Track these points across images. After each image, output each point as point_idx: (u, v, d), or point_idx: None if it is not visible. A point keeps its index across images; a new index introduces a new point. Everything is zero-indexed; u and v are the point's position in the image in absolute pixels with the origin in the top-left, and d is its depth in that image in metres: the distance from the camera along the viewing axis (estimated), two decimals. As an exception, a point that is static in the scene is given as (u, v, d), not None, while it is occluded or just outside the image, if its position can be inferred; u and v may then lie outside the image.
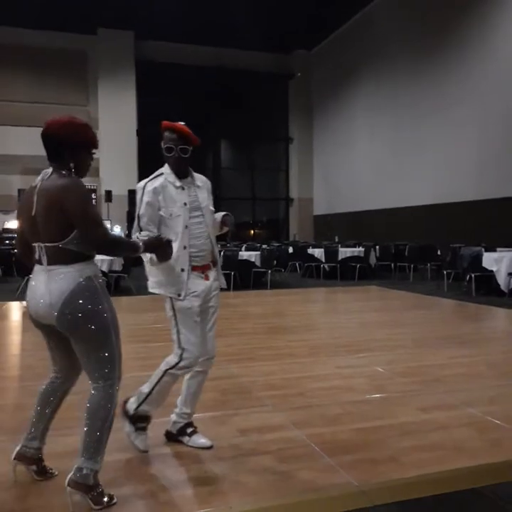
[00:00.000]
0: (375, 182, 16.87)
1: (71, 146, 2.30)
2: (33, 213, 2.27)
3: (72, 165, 2.30)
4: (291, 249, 14.94)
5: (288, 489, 2.47)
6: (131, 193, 17.80)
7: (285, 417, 3.37)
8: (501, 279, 9.04)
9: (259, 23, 16.61)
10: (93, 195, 17.83)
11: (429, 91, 14.38)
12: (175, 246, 2.66)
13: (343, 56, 18.62)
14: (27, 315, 2.47)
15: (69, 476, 2.27)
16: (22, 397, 3.89)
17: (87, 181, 20.10)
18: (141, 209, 2.74)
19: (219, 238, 3.01)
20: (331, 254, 12.70)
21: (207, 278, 2.83)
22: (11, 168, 18.05)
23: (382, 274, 13.25)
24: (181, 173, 2.81)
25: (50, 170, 2.32)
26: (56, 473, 2.61)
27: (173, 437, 2.97)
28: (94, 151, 2.43)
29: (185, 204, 2.75)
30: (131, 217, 16.17)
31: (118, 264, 9.94)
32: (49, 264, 2.26)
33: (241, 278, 10.78)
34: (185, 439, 2.93)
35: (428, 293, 9.86)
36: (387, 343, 5.67)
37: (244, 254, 11.15)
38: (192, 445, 2.89)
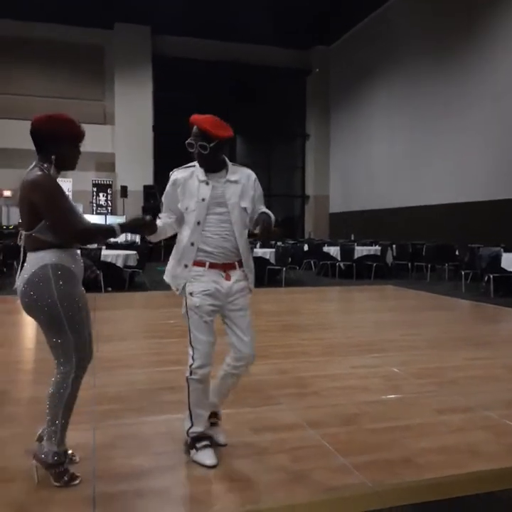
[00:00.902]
0: (393, 180, 16.74)
1: (51, 139, 2.42)
2: (18, 204, 2.46)
3: (53, 157, 2.42)
4: (306, 247, 14.87)
5: (301, 489, 2.45)
6: (147, 189, 17.89)
7: (299, 416, 3.35)
8: (520, 280, 8.92)
9: (277, 18, 16.53)
10: (109, 190, 17.96)
11: (449, 90, 14.21)
12: (184, 240, 2.69)
13: (361, 53, 18.47)
14: None
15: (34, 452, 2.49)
16: (36, 390, 3.91)
17: (103, 176, 20.25)
18: (163, 196, 2.81)
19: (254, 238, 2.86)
20: (346, 252, 12.62)
21: (228, 278, 2.71)
22: (28, 163, 18.14)
23: (399, 273, 13.14)
24: (209, 167, 2.72)
25: (34, 163, 2.45)
26: (77, 459, 2.63)
27: None
28: (77, 143, 2.51)
29: (203, 199, 2.66)
30: (146, 213, 16.15)
31: (133, 259, 9.99)
32: (27, 250, 2.43)
33: (255, 275, 10.74)
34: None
35: (445, 293, 9.75)
36: (403, 343, 5.62)
37: (258, 251, 11.13)
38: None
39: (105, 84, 18.94)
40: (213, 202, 2.67)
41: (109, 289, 9.86)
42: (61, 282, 2.37)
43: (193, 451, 2.72)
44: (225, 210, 2.68)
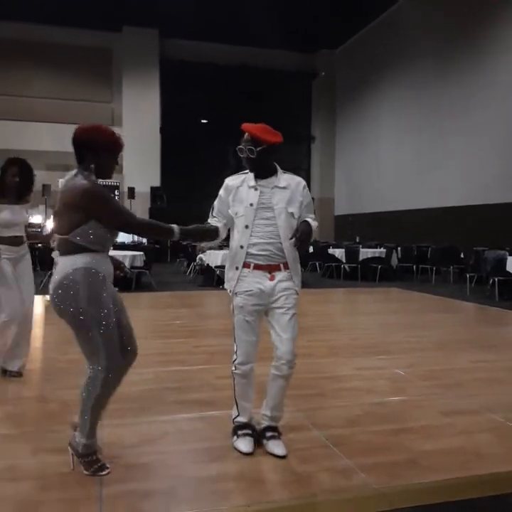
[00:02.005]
0: (398, 183, 16.72)
1: (92, 149, 2.53)
2: (56, 209, 2.57)
3: (92, 166, 2.53)
4: (311, 249, 14.86)
5: (306, 490, 2.47)
6: (154, 190, 17.96)
7: (305, 417, 3.37)
8: (525, 284, 8.90)
9: (284, 21, 16.54)
10: (116, 192, 18.01)
11: (455, 93, 14.19)
12: (234, 244, 2.85)
13: (367, 56, 18.48)
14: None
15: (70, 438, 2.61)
16: (45, 390, 3.95)
17: (112, 178, 20.36)
18: (216, 201, 2.95)
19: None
20: (351, 254, 12.63)
21: (272, 278, 2.81)
22: (36, 164, 18.15)
23: (404, 275, 13.13)
24: (259, 173, 2.85)
25: (75, 171, 2.55)
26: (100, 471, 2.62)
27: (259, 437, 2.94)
28: (116, 154, 2.62)
29: (251, 204, 2.80)
30: (153, 214, 16.26)
31: (140, 260, 10.05)
32: (60, 254, 2.53)
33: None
34: (264, 442, 2.89)
35: (450, 296, 9.74)
36: (408, 345, 5.62)
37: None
38: (267, 450, 2.85)
39: (113, 86, 19.02)
40: (261, 207, 2.80)
41: (116, 289, 9.90)
42: (91, 285, 2.47)
43: (234, 438, 2.90)
44: (272, 214, 2.80)
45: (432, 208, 14.90)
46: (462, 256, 12.12)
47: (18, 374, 4.17)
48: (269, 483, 2.53)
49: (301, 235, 2.72)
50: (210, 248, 11.62)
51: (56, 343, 5.55)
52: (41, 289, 9.54)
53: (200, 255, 11.81)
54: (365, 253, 12.71)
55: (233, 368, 2.86)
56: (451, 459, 2.80)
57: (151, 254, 10.77)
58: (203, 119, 20.39)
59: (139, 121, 18.44)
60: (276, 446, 2.84)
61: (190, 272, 13.20)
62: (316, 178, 21.69)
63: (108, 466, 2.59)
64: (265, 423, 2.94)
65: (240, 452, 2.81)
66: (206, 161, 19.83)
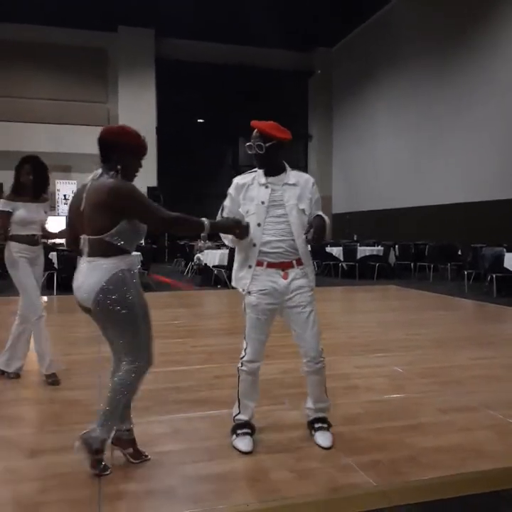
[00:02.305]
0: (396, 181, 16.73)
1: (118, 150, 2.56)
2: (81, 208, 2.53)
3: (118, 167, 2.55)
4: (309, 247, 14.83)
5: (306, 488, 2.47)
6: (151, 190, 17.94)
7: (303, 416, 3.36)
8: (523, 280, 8.91)
9: (280, 20, 16.53)
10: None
11: (451, 91, 14.21)
12: (244, 242, 2.82)
13: (364, 54, 18.48)
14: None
15: (83, 432, 2.53)
16: (46, 391, 3.94)
17: (107, 178, 20.33)
18: (226, 200, 2.94)
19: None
20: (349, 252, 12.64)
21: (285, 276, 2.82)
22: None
23: (402, 273, 13.14)
24: (269, 170, 2.86)
25: (100, 171, 2.58)
26: (150, 457, 2.72)
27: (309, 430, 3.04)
28: (141, 156, 2.68)
29: (262, 202, 2.80)
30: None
31: (137, 260, 10.04)
32: (90, 255, 2.52)
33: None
34: (312, 433, 2.98)
35: (448, 293, 9.75)
36: (406, 343, 5.63)
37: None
38: (315, 441, 2.93)
39: (109, 86, 18.99)
40: (272, 204, 2.81)
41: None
42: (134, 286, 2.54)
43: (233, 437, 2.90)
44: (283, 212, 2.81)
45: (430, 205, 14.92)
46: (460, 253, 12.14)
47: (16, 375, 4.17)
48: (269, 482, 2.52)
49: (316, 229, 2.73)
50: (209, 247, 11.64)
51: (54, 344, 5.54)
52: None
53: (198, 255, 11.81)
54: (363, 251, 12.73)
55: (240, 365, 2.88)
56: (450, 456, 2.80)
57: (148, 255, 10.77)
58: (200, 119, 20.37)
59: (135, 121, 18.10)
60: (320, 437, 2.92)
61: (188, 271, 13.19)
62: (313, 176, 21.24)
63: (109, 466, 2.59)
64: (312, 416, 3.01)
65: (239, 451, 2.82)
66: (203, 161, 19.82)
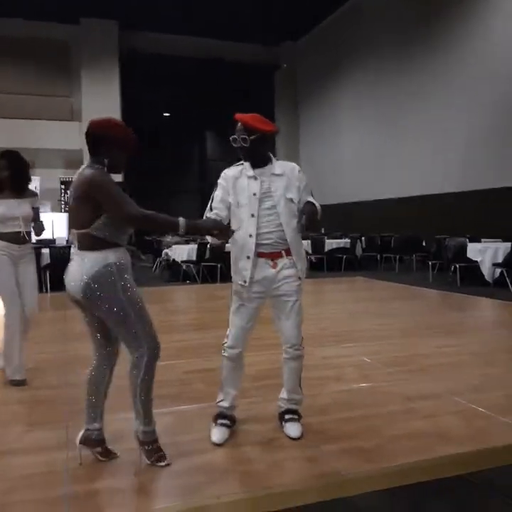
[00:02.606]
0: (361, 174, 16.91)
1: (107, 143, 2.55)
2: (70, 204, 2.58)
3: (106, 161, 2.55)
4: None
5: (275, 479, 2.48)
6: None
7: (273, 407, 3.37)
8: (485, 270, 9.13)
9: (245, 13, 16.50)
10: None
11: (414, 82, 14.41)
12: (239, 234, 2.84)
13: (329, 47, 18.58)
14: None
15: (136, 438, 2.61)
16: (13, 391, 3.85)
17: (71, 174, 19.75)
18: (216, 190, 2.94)
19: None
20: (317, 245, 12.74)
21: (274, 266, 2.86)
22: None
23: (368, 265, 13.32)
24: (255, 162, 2.87)
25: (85, 164, 2.57)
26: (118, 454, 2.70)
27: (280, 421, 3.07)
28: (129, 150, 2.64)
29: (254, 194, 2.83)
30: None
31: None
32: (79, 248, 2.53)
33: (228, 269, 10.76)
34: (282, 424, 3.01)
35: (413, 284, 9.93)
36: (374, 333, 5.71)
37: (228, 246, 11.12)
38: (285, 432, 2.96)
39: (72, 80, 18.58)
40: (263, 196, 2.84)
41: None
42: (124, 278, 2.53)
43: (212, 424, 2.96)
44: (272, 203, 2.84)
45: (394, 198, 15.14)
46: (424, 244, 12.38)
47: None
48: (239, 474, 2.53)
49: (308, 215, 2.76)
50: (177, 242, 11.56)
51: (46, 343, 5.43)
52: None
53: (166, 250, 11.72)
54: (331, 244, 12.85)
55: (222, 351, 2.95)
56: (418, 442, 2.86)
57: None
58: (166, 113, 20.16)
59: (99, 115, 17.24)
60: (290, 428, 2.95)
61: (156, 267, 13.08)
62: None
63: (167, 456, 2.62)
64: (283, 407, 3.05)
65: (212, 441, 2.84)
66: (171, 156, 19.62)
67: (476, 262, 9.24)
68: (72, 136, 17.48)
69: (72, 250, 2.60)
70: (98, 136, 2.55)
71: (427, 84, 13.93)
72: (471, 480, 2.50)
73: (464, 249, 9.49)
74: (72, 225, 2.57)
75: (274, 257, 2.86)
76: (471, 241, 9.77)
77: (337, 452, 2.74)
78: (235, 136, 2.85)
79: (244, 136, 2.81)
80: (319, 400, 3.53)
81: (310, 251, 12.75)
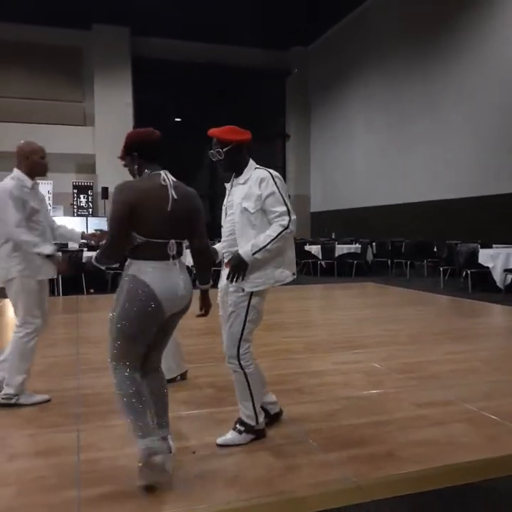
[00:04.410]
0: (372, 179, 16.88)
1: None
2: (168, 209, 2.45)
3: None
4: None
5: (286, 485, 2.48)
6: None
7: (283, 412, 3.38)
8: (497, 276, 9.06)
9: (256, 19, 16.56)
10: (90, 192, 17.83)
11: (425, 87, 14.37)
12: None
13: (340, 52, 18.59)
14: (151, 312, 2.44)
15: (171, 444, 2.59)
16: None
17: (83, 178, 19.93)
18: None
19: None
20: (327, 250, 12.72)
21: (228, 276, 2.88)
22: (7, 165, 17.85)
23: (379, 270, 13.28)
24: (236, 173, 2.93)
25: (167, 173, 2.56)
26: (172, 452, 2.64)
27: None
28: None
29: (223, 205, 2.95)
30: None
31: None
32: (175, 258, 2.51)
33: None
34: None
35: (424, 289, 9.88)
36: (384, 339, 5.69)
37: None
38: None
39: (84, 85, 18.75)
40: (228, 205, 2.92)
41: (92, 290, 9.80)
42: None
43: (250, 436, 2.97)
44: (232, 211, 2.89)
45: (405, 203, 15.09)
46: (435, 250, 12.32)
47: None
48: (248, 480, 2.53)
49: (232, 269, 2.79)
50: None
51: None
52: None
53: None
54: (341, 249, 12.83)
55: (245, 361, 2.96)
56: (427, 450, 2.84)
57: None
58: (177, 118, 20.27)
59: (111, 120, 18.23)
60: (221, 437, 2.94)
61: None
62: (291, 175, 21.75)
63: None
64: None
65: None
66: (181, 160, 19.70)
67: (488, 267, 9.18)
68: (84, 141, 17.65)
69: (161, 263, 2.46)
70: (160, 146, 2.62)
71: (439, 89, 13.89)
72: (482, 488, 2.49)
73: (475, 255, 9.43)
74: (172, 235, 2.48)
75: (227, 265, 2.90)
76: (482, 247, 9.71)
77: (347, 459, 2.74)
78: (212, 151, 2.88)
79: (218, 150, 2.85)
80: (328, 406, 3.52)
81: (320, 256, 12.75)
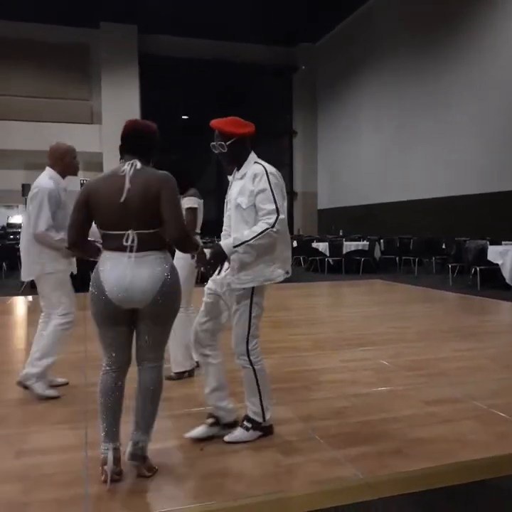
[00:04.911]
0: (380, 176, 16.82)
1: (156, 147, 2.56)
2: (122, 200, 2.34)
3: (152, 164, 2.53)
4: (295, 244, 14.92)
5: (293, 482, 2.48)
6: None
7: (290, 410, 3.38)
8: (506, 273, 9.01)
9: (264, 16, 16.54)
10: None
11: (433, 84, 14.30)
12: None
13: (347, 49, 18.52)
14: (98, 303, 2.44)
15: (128, 451, 2.47)
16: (27, 392, 3.90)
17: (91, 176, 20.23)
18: None
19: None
20: (335, 248, 12.69)
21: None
22: (14, 163, 18.07)
23: (387, 267, 13.23)
24: (233, 165, 2.88)
25: (136, 161, 2.43)
26: (156, 468, 2.58)
27: None
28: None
29: (226, 201, 2.95)
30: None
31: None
32: (138, 250, 2.36)
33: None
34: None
35: (433, 287, 9.84)
36: (392, 336, 5.67)
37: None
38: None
39: (92, 83, 18.82)
40: (228, 200, 2.91)
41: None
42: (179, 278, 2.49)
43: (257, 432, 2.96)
44: (229, 207, 2.89)
45: (413, 199, 15.03)
46: (444, 247, 12.26)
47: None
48: (255, 477, 2.53)
49: (209, 258, 2.70)
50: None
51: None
52: (23, 290, 9.46)
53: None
54: (349, 246, 12.79)
55: (255, 357, 2.92)
56: (436, 447, 2.83)
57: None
58: (184, 115, 20.29)
59: (118, 118, 18.15)
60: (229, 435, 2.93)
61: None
62: (298, 172, 21.72)
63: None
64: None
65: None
66: (188, 158, 19.74)
67: (497, 264, 9.12)
68: (92, 139, 17.71)
69: (113, 254, 2.39)
70: (155, 139, 2.55)
71: (446, 87, 13.81)
72: (490, 486, 2.47)
73: (484, 251, 9.38)
74: (126, 224, 2.36)
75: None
76: (491, 243, 9.65)
77: (355, 456, 2.73)
78: (214, 143, 2.82)
79: (221, 143, 2.78)
80: (337, 403, 3.51)
81: (327, 254, 12.72)
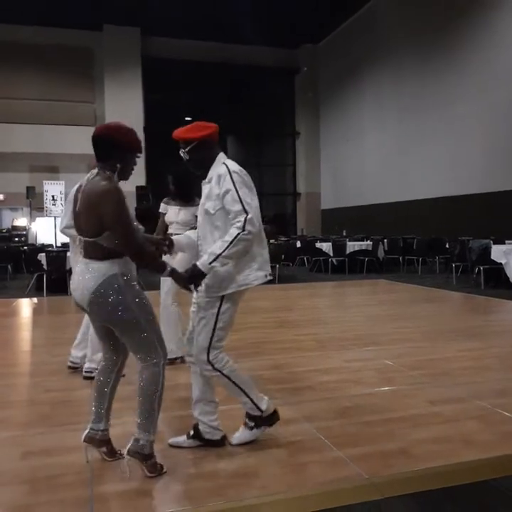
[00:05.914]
0: (383, 175, 16.80)
1: (120, 148, 2.50)
2: (77, 209, 2.51)
3: (118, 166, 2.50)
4: (299, 244, 14.93)
5: (298, 482, 2.48)
6: (139, 190, 17.87)
7: (295, 410, 3.38)
8: (510, 272, 8.99)
9: (265, 17, 16.54)
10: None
11: (436, 84, 14.28)
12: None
13: (349, 50, 18.52)
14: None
15: (128, 446, 2.53)
16: (33, 393, 3.92)
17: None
18: None
19: None
20: (338, 248, 12.68)
21: None
22: (19, 166, 18.12)
23: (391, 267, 13.22)
24: (202, 171, 2.78)
25: (96, 170, 2.50)
26: (124, 454, 2.62)
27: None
28: (137, 155, 2.60)
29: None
30: (139, 215, 16.13)
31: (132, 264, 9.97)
32: (85, 256, 2.51)
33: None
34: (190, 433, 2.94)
35: (436, 286, 9.82)
36: (396, 336, 5.66)
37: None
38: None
39: (95, 86, 18.87)
40: (201, 205, 2.80)
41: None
42: (130, 287, 2.50)
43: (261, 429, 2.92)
44: (199, 212, 2.81)
45: (416, 199, 15.02)
46: (447, 246, 12.23)
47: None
48: (261, 477, 2.53)
49: (188, 280, 2.63)
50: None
51: (44, 346, 5.53)
52: (28, 292, 9.50)
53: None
54: (352, 246, 12.78)
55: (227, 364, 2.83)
56: (440, 447, 2.83)
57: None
58: (187, 117, 20.33)
59: (121, 120, 17.54)
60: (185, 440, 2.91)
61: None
62: (301, 173, 21.73)
63: (162, 463, 2.60)
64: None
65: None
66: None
67: (501, 264, 9.10)
68: (95, 142, 17.75)
69: (75, 255, 2.61)
70: (111, 140, 2.48)
71: (449, 86, 13.79)
72: (495, 486, 2.47)
73: (487, 251, 9.35)
74: (79, 231, 2.53)
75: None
76: (495, 243, 9.62)
77: (359, 456, 2.73)
78: (180, 153, 2.78)
79: (183, 151, 2.74)
80: (341, 403, 3.51)
81: (331, 254, 12.72)
